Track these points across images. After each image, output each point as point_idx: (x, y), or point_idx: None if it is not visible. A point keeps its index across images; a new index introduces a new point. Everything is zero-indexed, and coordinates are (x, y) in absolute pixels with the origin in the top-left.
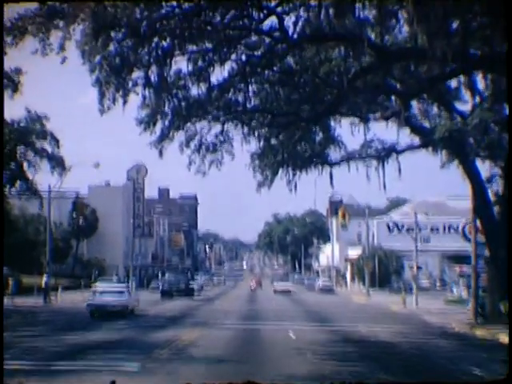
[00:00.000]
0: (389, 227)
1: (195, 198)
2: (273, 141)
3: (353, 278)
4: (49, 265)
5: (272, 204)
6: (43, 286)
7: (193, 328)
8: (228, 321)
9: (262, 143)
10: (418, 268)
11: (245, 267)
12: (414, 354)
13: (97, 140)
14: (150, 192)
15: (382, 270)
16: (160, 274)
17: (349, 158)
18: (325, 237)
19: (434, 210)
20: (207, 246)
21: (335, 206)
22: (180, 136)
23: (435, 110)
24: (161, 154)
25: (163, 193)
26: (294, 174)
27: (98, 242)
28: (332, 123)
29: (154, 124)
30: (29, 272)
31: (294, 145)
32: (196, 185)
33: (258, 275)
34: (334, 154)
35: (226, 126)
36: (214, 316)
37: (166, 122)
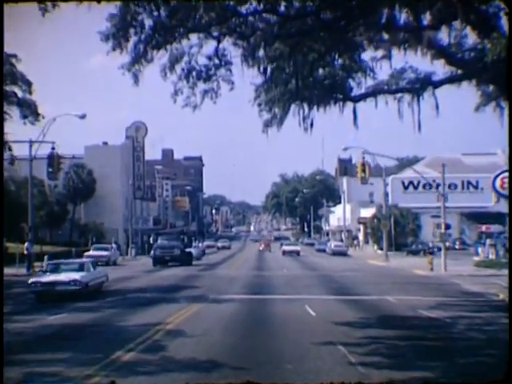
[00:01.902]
0: (404, 184)
1: (200, 159)
2: (283, 63)
3: (366, 240)
4: (31, 230)
5: (279, 164)
6: (26, 254)
7: (185, 305)
8: (231, 291)
9: (269, 67)
10: (447, 227)
11: (252, 230)
12: (482, 340)
13: (98, 103)
14: (154, 155)
15: (398, 231)
16: (152, 239)
17: (375, 91)
18: (334, 197)
19: (449, 167)
20: (214, 209)
21: (344, 165)
22: (162, 56)
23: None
24: (136, 80)
25: (167, 154)
26: (311, 109)
27: (95, 205)
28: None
29: (127, 39)
30: (20, 239)
31: (310, 69)
32: (201, 146)
33: (266, 237)
34: (356, 87)
35: (221, 43)
36: (215, 286)
37: (142, 37)
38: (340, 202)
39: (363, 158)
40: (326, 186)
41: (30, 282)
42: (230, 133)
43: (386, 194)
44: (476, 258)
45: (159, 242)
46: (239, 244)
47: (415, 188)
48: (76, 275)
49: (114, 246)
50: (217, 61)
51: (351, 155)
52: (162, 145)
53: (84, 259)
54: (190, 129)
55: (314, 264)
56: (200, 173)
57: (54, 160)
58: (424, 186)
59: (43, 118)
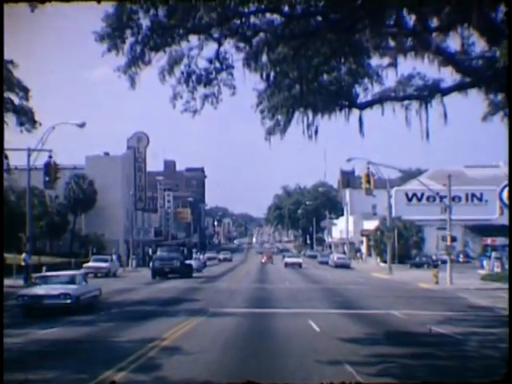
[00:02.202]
0: (407, 196)
1: (202, 171)
2: (287, 68)
3: (369, 253)
4: (29, 241)
5: (281, 176)
6: (23, 265)
7: (183, 319)
8: (232, 304)
9: (272, 72)
10: (453, 239)
11: (254, 241)
12: (497, 358)
13: (100, 114)
14: (156, 166)
15: (402, 243)
16: (151, 250)
17: (382, 98)
18: (337, 210)
19: (453, 179)
20: (216, 221)
21: (347, 177)
22: (161, 59)
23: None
24: (132, 82)
25: (169, 165)
26: (315, 116)
27: (96, 216)
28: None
29: (123, 40)
30: (18, 249)
31: (315, 73)
32: (203, 158)
33: (268, 250)
34: (362, 93)
35: (223, 46)
36: (216, 299)
37: (139, 38)
38: (342, 215)
39: (368, 168)
40: (329, 198)
41: (17, 294)
42: (232, 145)
43: (390, 206)
44: (481, 272)
45: (158, 253)
46: (241, 256)
47: (419, 200)
48: (66, 288)
49: (114, 257)
50: (218, 64)
51: (354, 167)
52: (165, 156)
53: (75, 271)
54: (192, 141)
55: (316, 277)
56: (202, 184)
57: (50, 168)
58: (428, 199)
59: (40, 125)
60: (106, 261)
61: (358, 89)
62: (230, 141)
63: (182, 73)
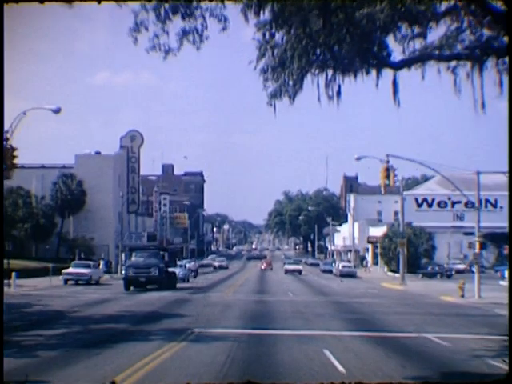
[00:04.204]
0: (417, 202)
1: (201, 175)
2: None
3: (374, 261)
4: None
5: (282, 182)
6: None
7: (157, 345)
8: (225, 322)
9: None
10: (484, 246)
11: (254, 248)
12: None
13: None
14: (154, 170)
15: (411, 252)
16: (124, 256)
17: (423, 56)
18: (339, 216)
19: (462, 185)
20: (215, 227)
21: (350, 183)
22: None
23: None
24: None
25: (167, 169)
26: (335, 74)
27: (85, 218)
28: None
29: None
30: None
31: (337, 24)
32: (203, 164)
33: (268, 257)
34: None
35: None
36: (205, 314)
37: None
38: (346, 221)
39: (387, 161)
40: (331, 205)
41: None
42: (232, 151)
43: (396, 213)
44: (503, 283)
45: (133, 259)
46: (240, 263)
47: (429, 206)
48: None
49: (102, 262)
50: None
51: (357, 173)
52: (163, 160)
53: None
54: (191, 145)
55: (322, 287)
56: (201, 189)
57: (6, 154)
58: (439, 204)
59: None
60: (87, 267)
61: (393, 42)
62: (231, 148)
63: None
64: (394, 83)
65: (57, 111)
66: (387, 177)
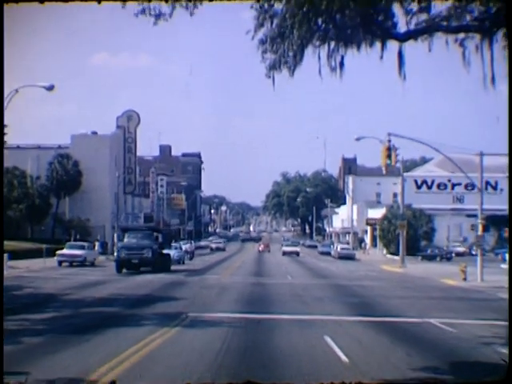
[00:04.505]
0: (417, 183)
1: (199, 156)
2: None
3: (373, 243)
4: None
5: (280, 164)
6: None
7: (149, 330)
8: (221, 306)
9: None
10: (487, 228)
11: (251, 230)
12: None
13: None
14: (151, 151)
15: (411, 234)
16: (116, 237)
17: (430, 27)
18: (337, 198)
19: (462, 166)
20: (212, 209)
21: (349, 165)
22: None
23: None
24: None
25: (164, 150)
26: (338, 46)
27: (81, 199)
28: None
29: None
30: None
31: None
32: (201, 144)
33: (266, 238)
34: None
35: None
36: (201, 298)
37: None
38: (344, 203)
39: (389, 141)
40: (330, 186)
41: None
42: (230, 132)
43: (395, 195)
44: (505, 266)
45: (125, 240)
46: (237, 245)
47: (429, 188)
48: None
49: (97, 244)
50: None
51: (356, 155)
52: (160, 141)
53: None
54: (189, 125)
55: (321, 270)
56: (198, 170)
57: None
58: (438, 186)
59: None
60: (82, 248)
61: (398, 12)
62: (229, 130)
63: None
64: (400, 55)
65: (50, 88)
66: (389, 156)
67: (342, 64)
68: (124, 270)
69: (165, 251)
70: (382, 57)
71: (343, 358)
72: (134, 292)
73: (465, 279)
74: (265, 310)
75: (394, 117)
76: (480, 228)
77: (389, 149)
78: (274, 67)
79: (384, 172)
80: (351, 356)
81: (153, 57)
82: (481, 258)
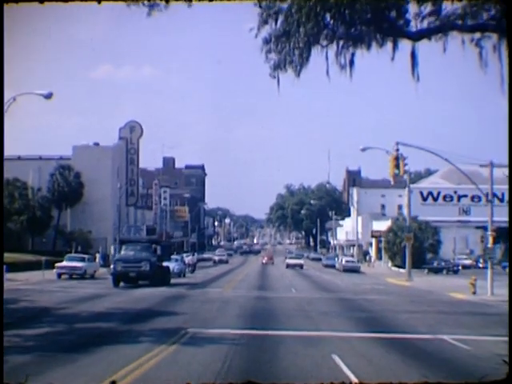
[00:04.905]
0: (422, 195)
1: (202, 168)
2: None
3: (378, 256)
4: None
5: (284, 177)
6: None
7: (145, 348)
8: (223, 321)
9: None
10: (496, 240)
11: (255, 242)
12: None
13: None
14: (155, 163)
15: (416, 246)
16: (113, 249)
17: (444, 25)
18: (342, 211)
19: (467, 178)
20: (216, 221)
21: (353, 177)
22: None
23: None
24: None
25: (168, 162)
26: (346, 45)
27: (83, 211)
28: None
29: None
30: None
31: None
32: (204, 156)
33: (269, 251)
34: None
35: None
36: (202, 313)
37: None
38: (348, 215)
39: (397, 150)
40: (334, 199)
41: None
42: (234, 144)
43: (400, 207)
44: None
45: (122, 252)
46: (241, 257)
47: (435, 200)
48: None
49: (98, 256)
50: None
51: (360, 167)
52: (164, 153)
53: None
54: (193, 138)
55: (326, 283)
56: (202, 182)
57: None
58: (444, 198)
59: None
60: (82, 260)
61: (411, 9)
62: (232, 143)
63: None
64: (413, 55)
65: (48, 96)
66: (397, 166)
67: (352, 62)
68: (122, 284)
69: (164, 264)
70: (393, 58)
71: (353, 378)
72: (132, 306)
73: (474, 293)
74: (268, 325)
75: (402, 125)
76: (490, 240)
77: (397, 158)
78: (278, 66)
79: (392, 182)
80: (362, 377)
81: (155, 68)
82: (491, 271)
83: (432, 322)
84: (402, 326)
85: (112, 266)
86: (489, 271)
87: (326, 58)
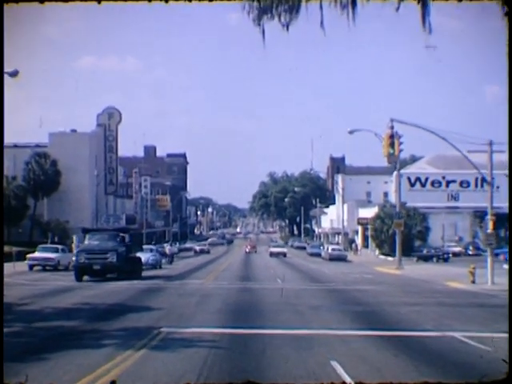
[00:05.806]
0: (410, 181)
1: (184, 157)
2: None
3: (365, 244)
4: None
5: (267, 165)
6: None
7: (109, 354)
8: (201, 317)
9: None
10: (495, 226)
11: (239, 231)
12: None
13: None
14: (136, 151)
15: (405, 233)
16: (75, 238)
17: None
18: (326, 198)
19: (454, 164)
20: (198, 211)
21: (337, 164)
22: None
23: None
24: None
25: (149, 151)
26: None
27: (60, 200)
28: None
29: None
30: None
31: None
32: (187, 147)
33: (252, 239)
34: None
35: None
36: (179, 307)
37: None
38: (333, 203)
39: (391, 127)
40: (318, 186)
41: None
42: (216, 133)
43: (386, 194)
44: (507, 266)
45: (86, 242)
46: (223, 247)
47: (423, 185)
48: None
49: (74, 246)
50: None
51: (344, 154)
52: (145, 141)
53: None
54: (175, 126)
55: (312, 272)
56: (184, 171)
57: None
58: (432, 184)
59: None
60: (55, 251)
61: None
62: (215, 128)
63: None
64: (424, 2)
65: (13, 74)
66: (391, 145)
67: (354, 1)
68: (85, 277)
69: (136, 255)
70: (398, 8)
71: None
72: (102, 301)
73: (473, 282)
74: (253, 322)
75: (392, 110)
76: (490, 225)
77: (392, 136)
78: (265, 12)
79: (386, 163)
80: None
81: (139, 60)
82: (491, 259)
83: (435, 316)
84: (405, 322)
85: (74, 259)
86: (489, 258)
87: (321, 7)
